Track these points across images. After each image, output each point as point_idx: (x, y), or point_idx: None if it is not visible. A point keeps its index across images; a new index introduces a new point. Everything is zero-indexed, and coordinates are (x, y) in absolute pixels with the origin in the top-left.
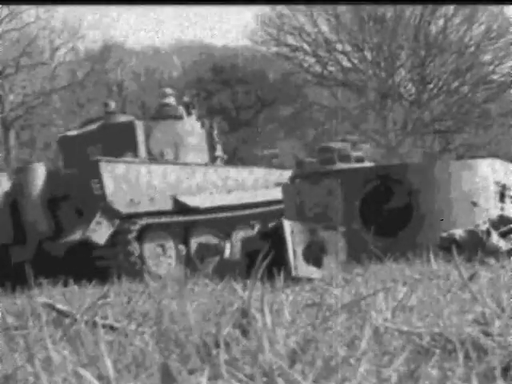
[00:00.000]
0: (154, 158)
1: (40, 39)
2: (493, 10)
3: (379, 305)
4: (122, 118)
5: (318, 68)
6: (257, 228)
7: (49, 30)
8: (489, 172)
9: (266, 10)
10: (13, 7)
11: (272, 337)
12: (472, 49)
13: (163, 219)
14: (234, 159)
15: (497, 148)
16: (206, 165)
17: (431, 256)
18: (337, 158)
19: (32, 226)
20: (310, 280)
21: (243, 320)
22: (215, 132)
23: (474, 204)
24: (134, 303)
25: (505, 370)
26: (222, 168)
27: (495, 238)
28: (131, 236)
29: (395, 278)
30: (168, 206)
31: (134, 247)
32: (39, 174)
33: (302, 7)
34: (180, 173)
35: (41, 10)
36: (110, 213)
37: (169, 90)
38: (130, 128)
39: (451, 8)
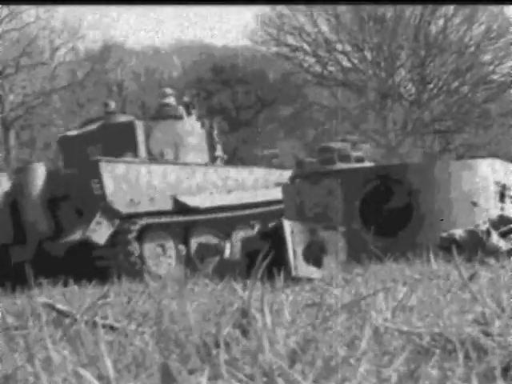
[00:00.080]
0: (153, 158)
1: (40, 39)
2: (493, 10)
3: (379, 305)
4: (122, 118)
5: (318, 68)
6: (257, 228)
7: (49, 30)
8: (489, 172)
9: (265, 9)
10: (13, 7)
11: (272, 337)
12: (472, 49)
13: (163, 219)
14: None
15: (497, 148)
16: (206, 165)
17: (431, 256)
18: (337, 158)
19: (32, 225)
20: (309, 280)
21: (243, 320)
22: (215, 132)
23: (474, 204)
24: (133, 303)
25: (505, 370)
26: (221, 168)
27: (495, 238)
28: (131, 236)
29: (395, 278)
30: (168, 206)
31: (134, 247)
32: (39, 174)
33: (301, 7)
34: (180, 173)
35: (41, 10)
36: (110, 213)
37: (169, 90)
38: (130, 128)
39: (451, 8)
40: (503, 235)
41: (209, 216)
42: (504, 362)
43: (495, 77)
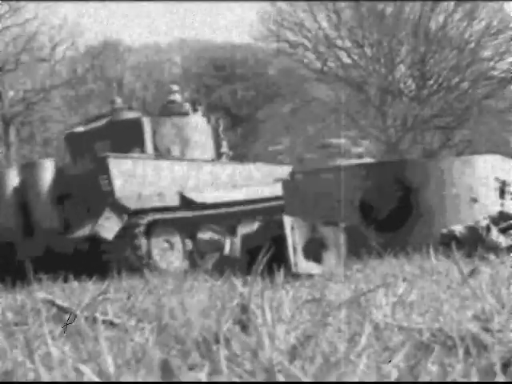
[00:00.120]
0: (160, 155)
1: (40, 35)
2: (493, 5)
3: (379, 301)
4: (130, 115)
5: (318, 64)
6: (257, 224)
7: (48, 26)
8: (489, 168)
9: (266, 6)
10: (13, 3)
11: (272, 333)
12: (472, 45)
13: (170, 215)
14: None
15: (497, 144)
16: (212, 161)
17: (431, 252)
18: (337, 154)
19: (41, 222)
20: (309, 276)
21: (243, 316)
22: (221, 128)
23: (474, 200)
24: (133, 299)
25: (505, 366)
26: (227, 164)
27: (495, 233)
28: (139, 231)
29: (395, 274)
30: (175, 201)
31: (142, 242)
32: (48, 170)
33: (302, 3)
34: (187, 169)
35: (40, 7)
36: (119, 208)
37: (175, 87)
38: (137, 124)
39: (451, 4)
40: (503, 231)
41: (215, 211)
42: (504, 358)
43: (495, 73)
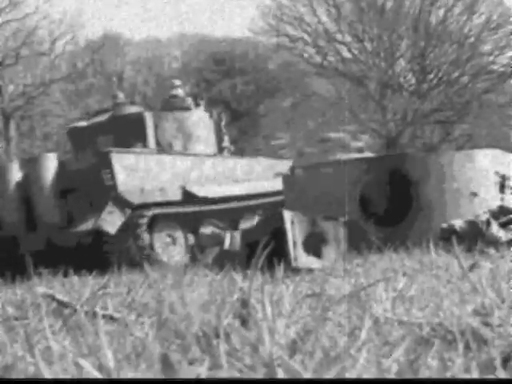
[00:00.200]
0: (162, 149)
1: (40, 30)
2: (493, 0)
3: (379, 295)
4: (132, 109)
5: (318, 58)
6: (257, 218)
7: (48, 21)
8: (489, 162)
9: (266, 0)
10: None
11: (272, 327)
12: (472, 39)
13: (172, 209)
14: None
15: (497, 138)
16: (214, 155)
17: (431, 246)
18: (337, 149)
19: (44, 216)
20: (310, 270)
21: (243, 310)
22: (223, 123)
23: (474, 194)
24: (133, 293)
25: (505, 361)
26: (229, 158)
27: (495, 228)
28: (142, 225)
29: (395, 269)
30: (177, 196)
31: (144, 237)
32: (51, 164)
33: None
34: (189, 163)
35: (40, 1)
36: (121, 203)
37: (177, 82)
38: (139, 119)
39: None
40: (503, 225)
41: (217, 206)
42: (504, 353)
43: (495, 67)
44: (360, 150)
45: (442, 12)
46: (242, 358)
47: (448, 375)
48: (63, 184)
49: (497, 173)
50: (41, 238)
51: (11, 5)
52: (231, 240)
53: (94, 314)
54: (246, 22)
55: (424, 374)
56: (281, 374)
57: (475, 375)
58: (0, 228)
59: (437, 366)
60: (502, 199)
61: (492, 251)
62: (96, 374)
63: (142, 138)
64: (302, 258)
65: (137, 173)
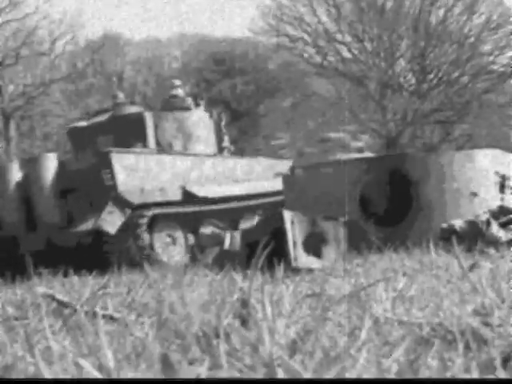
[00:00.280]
0: (162, 149)
1: (40, 30)
2: (493, 0)
3: (379, 295)
4: (132, 109)
5: (318, 58)
6: (257, 218)
7: (48, 21)
8: (489, 162)
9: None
10: None
11: (272, 327)
12: (472, 39)
13: (172, 209)
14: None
15: (497, 138)
16: (214, 155)
17: (431, 246)
18: (337, 149)
19: (44, 216)
20: (310, 270)
21: (243, 310)
22: (223, 123)
23: (474, 194)
24: (133, 293)
25: (505, 361)
26: (229, 158)
27: (495, 228)
28: (142, 225)
29: (395, 269)
30: (177, 196)
31: (144, 237)
32: (51, 164)
33: None
34: (189, 163)
35: (40, 1)
36: (121, 203)
37: (177, 82)
38: (139, 119)
39: None
40: (503, 226)
41: (217, 206)
42: (504, 353)
43: (495, 67)
44: (360, 150)
45: (442, 12)
46: (242, 358)
47: (448, 375)
48: (63, 184)
49: (497, 173)
50: (41, 238)
51: (11, 5)
52: (231, 240)
53: (94, 314)
54: (246, 22)
55: (424, 374)
56: (281, 374)
57: (475, 375)
58: (0, 228)
59: (437, 366)
60: (502, 199)
61: (492, 251)
62: (96, 374)
63: (142, 138)
64: (302, 258)
65: (137, 173)
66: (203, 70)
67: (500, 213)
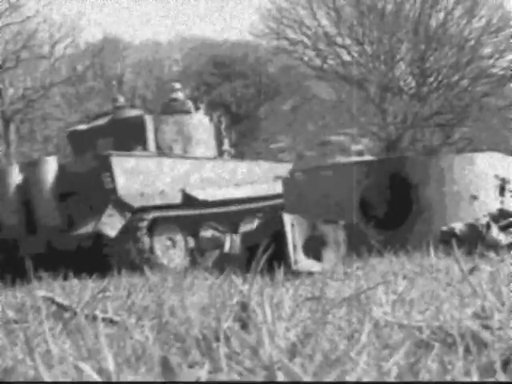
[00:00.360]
0: (163, 152)
1: (40, 33)
2: (493, 3)
3: (379, 298)
4: (132, 113)
5: (318, 62)
6: (257, 221)
7: (48, 24)
8: (489, 166)
9: (266, 3)
10: (13, 0)
11: (272, 330)
12: (472, 42)
13: (173, 212)
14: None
15: (497, 142)
16: (214, 158)
17: (431, 249)
18: (337, 152)
19: (44, 219)
20: (310, 273)
21: (243, 313)
22: (223, 126)
23: (474, 198)
24: (133, 297)
25: (505, 364)
26: (229, 162)
27: (495, 231)
28: (142, 228)
29: (395, 272)
30: (177, 199)
31: (144, 240)
32: (51, 167)
33: (301, 0)
34: (189, 166)
35: (41, 4)
36: (121, 206)
37: (177, 85)
38: (139, 122)
39: (451, 1)
40: (503, 229)
41: (217, 209)
42: (504, 356)
43: (495, 70)
44: (360, 154)
45: (442, 15)
46: (242, 361)
47: (448, 378)
48: (63, 187)
49: (497, 176)
50: (41, 241)
51: (11, 8)
52: (231, 243)
53: (94, 318)
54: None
55: (424, 377)
56: (281, 378)
57: (475, 378)
58: (0, 231)
59: (437, 369)
60: (502, 202)
61: (492, 255)
62: (96, 378)
63: (141, 142)
64: (302, 261)
65: (137, 176)
66: (203, 74)
67: (500, 216)
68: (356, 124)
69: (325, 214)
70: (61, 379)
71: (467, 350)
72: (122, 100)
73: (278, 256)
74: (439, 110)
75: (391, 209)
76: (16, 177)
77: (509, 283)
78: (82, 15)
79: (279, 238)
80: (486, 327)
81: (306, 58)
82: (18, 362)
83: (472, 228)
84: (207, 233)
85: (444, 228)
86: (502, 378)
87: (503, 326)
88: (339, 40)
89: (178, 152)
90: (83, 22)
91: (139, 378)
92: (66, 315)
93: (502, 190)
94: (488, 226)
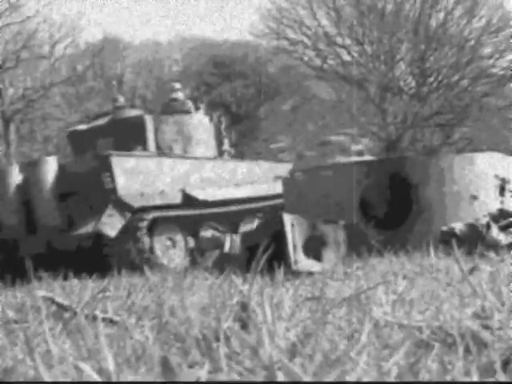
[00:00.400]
0: (163, 152)
1: (40, 33)
2: (493, 3)
3: (379, 298)
4: (132, 113)
5: (318, 62)
6: (257, 221)
7: (49, 24)
8: (489, 166)
9: (266, 3)
10: (13, 0)
11: (272, 330)
12: (472, 42)
13: (173, 212)
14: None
15: (497, 141)
16: (214, 158)
17: (431, 249)
18: (337, 152)
19: (44, 219)
20: (310, 273)
21: (243, 313)
22: (223, 126)
23: (474, 198)
24: (133, 297)
25: (505, 364)
26: (229, 161)
27: (495, 231)
28: (142, 228)
29: (395, 272)
30: (177, 199)
31: (144, 240)
32: (51, 167)
33: (301, 0)
34: (189, 166)
35: (41, 4)
36: (122, 206)
37: (177, 85)
38: (139, 122)
39: (451, 1)
40: (503, 229)
41: (217, 209)
42: (504, 356)
43: (495, 70)
44: (360, 153)
45: (442, 15)
46: (242, 361)
47: (448, 378)
48: (63, 187)
49: (497, 176)
50: (41, 241)
51: (11, 8)
52: (231, 243)
53: (94, 318)
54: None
55: (424, 377)
56: (281, 377)
57: (475, 378)
58: (0, 231)
59: (437, 369)
60: (502, 202)
61: (492, 255)
62: (96, 378)
63: (142, 142)
64: (302, 261)
65: (137, 176)
66: (203, 74)
67: (500, 216)
68: (356, 124)
69: (325, 214)
70: (61, 379)
71: (467, 350)
72: (121, 100)
73: (278, 256)
74: (439, 110)
75: (391, 209)
76: (16, 177)
77: (509, 283)
78: (82, 15)
79: (279, 238)
80: (486, 327)
81: (306, 58)
82: (18, 362)
83: (472, 228)
84: (207, 233)
85: (444, 228)
86: (502, 378)
87: (503, 326)
88: (339, 40)
89: (178, 152)
90: (83, 22)
91: (139, 378)
92: (66, 315)
93: (502, 190)
94: (488, 226)
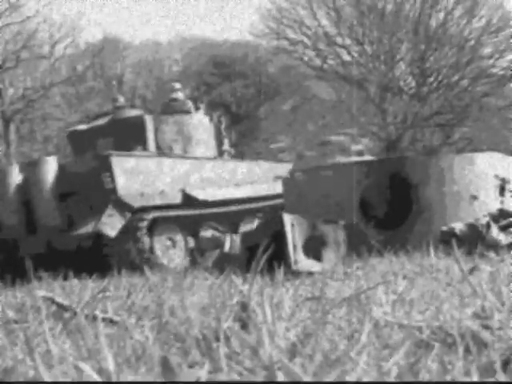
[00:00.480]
0: (163, 152)
1: (40, 33)
2: (493, 3)
3: (379, 298)
4: (132, 113)
5: (318, 62)
6: (257, 221)
7: (49, 24)
8: (489, 166)
9: (266, 3)
10: (13, 0)
11: (272, 330)
12: (472, 42)
13: (173, 212)
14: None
15: (497, 141)
16: (214, 158)
17: (431, 249)
18: (337, 152)
19: (44, 219)
20: (310, 273)
21: (243, 313)
22: (223, 126)
23: (474, 198)
24: (134, 297)
25: (505, 364)
26: (229, 161)
27: (495, 231)
28: (142, 228)
29: (395, 272)
30: (177, 199)
31: (144, 240)
32: (51, 167)
33: (301, 0)
34: (189, 166)
35: (41, 4)
36: (121, 206)
37: (177, 85)
38: (139, 122)
39: (451, 1)
40: (503, 229)
41: (217, 209)
42: (504, 356)
43: (495, 70)
44: (360, 153)
45: (442, 15)
46: (242, 361)
47: (448, 378)
48: (63, 187)
49: (497, 176)
50: (41, 241)
51: (11, 8)
52: (231, 243)
53: (94, 318)
54: (246, 25)
55: (424, 377)
56: (281, 377)
57: (475, 378)
58: (0, 231)
59: (437, 369)
60: (502, 202)
61: (492, 255)
62: (96, 378)
63: (142, 142)
64: (302, 261)
65: (137, 176)
66: (203, 74)
67: (500, 216)
68: (356, 124)
69: (325, 214)
70: (61, 379)
71: (467, 350)
72: (122, 100)
73: (278, 256)
74: (439, 110)
75: (391, 209)
76: (16, 177)
77: (509, 283)
78: (82, 15)
79: (279, 237)
80: (486, 327)
81: (306, 58)
82: (18, 362)
83: (472, 228)
84: (207, 233)
85: (444, 228)
86: (502, 378)
87: (503, 326)
88: (339, 40)
89: (178, 152)
90: (83, 22)
91: (139, 378)
92: (66, 315)
93: (502, 190)
94: (488, 226)
